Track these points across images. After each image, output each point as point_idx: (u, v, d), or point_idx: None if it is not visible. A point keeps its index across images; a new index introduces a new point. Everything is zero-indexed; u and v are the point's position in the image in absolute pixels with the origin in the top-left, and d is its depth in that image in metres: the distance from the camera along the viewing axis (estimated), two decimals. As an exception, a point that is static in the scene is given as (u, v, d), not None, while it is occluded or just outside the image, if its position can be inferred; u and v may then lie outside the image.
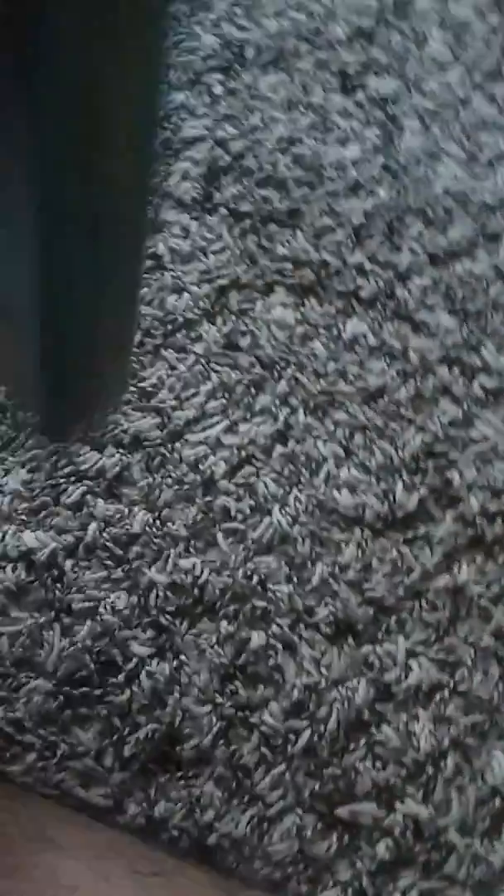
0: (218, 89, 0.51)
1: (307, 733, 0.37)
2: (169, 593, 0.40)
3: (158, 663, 0.38)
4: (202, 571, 0.40)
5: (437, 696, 0.37)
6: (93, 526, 0.41)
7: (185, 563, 0.40)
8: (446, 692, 0.37)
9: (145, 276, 0.47)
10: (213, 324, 0.46)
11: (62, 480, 0.42)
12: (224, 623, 0.39)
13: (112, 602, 0.39)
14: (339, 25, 0.53)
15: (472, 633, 0.38)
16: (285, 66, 0.52)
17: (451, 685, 0.37)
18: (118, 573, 0.40)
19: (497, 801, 0.35)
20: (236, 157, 0.49)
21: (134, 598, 0.39)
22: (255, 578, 0.39)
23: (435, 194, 0.48)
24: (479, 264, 0.46)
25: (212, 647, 0.38)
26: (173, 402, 0.44)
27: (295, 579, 0.39)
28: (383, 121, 0.50)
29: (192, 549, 0.40)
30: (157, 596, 0.39)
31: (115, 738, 0.37)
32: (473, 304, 0.45)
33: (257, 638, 0.38)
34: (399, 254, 0.46)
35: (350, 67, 0.51)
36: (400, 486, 0.41)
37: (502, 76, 0.51)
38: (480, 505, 0.41)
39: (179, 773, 0.37)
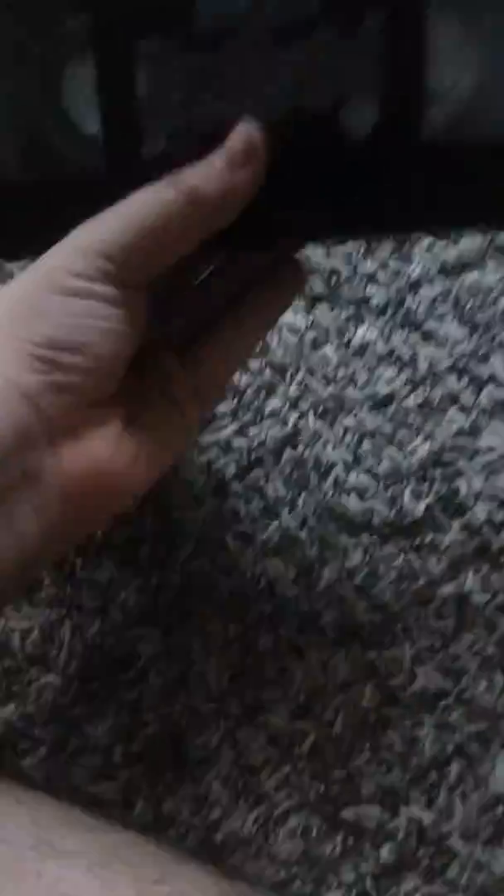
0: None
1: (313, 735, 0.37)
2: (178, 594, 0.40)
3: (167, 662, 0.39)
4: (211, 572, 0.40)
5: (442, 703, 0.38)
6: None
7: (194, 564, 0.40)
8: (451, 699, 0.38)
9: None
10: (225, 326, 0.46)
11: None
12: (232, 625, 0.39)
13: (122, 600, 0.40)
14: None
15: (476, 642, 0.39)
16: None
17: (456, 693, 0.38)
18: (128, 572, 0.40)
19: (499, 809, 0.36)
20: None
21: (144, 598, 0.40)
22: (263, 581, 0.40)
23: (447, 205, 0.48)
24: (488, 276, 0.47)
25: (220, 647, 0.39)
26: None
27: (302, 583, 0.40)
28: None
29: (201, 551, 0.41)
30: (167, 596, 0.40)
31: (124, 734, 0.38)
32: (482, 315, 0.46)
33: (264, 640, 0.39)
34: (409, 264, 0.47)
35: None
36: (408, 493, 0.42)
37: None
38: (487, 514, 0.41)
39: (186, 771, 0.37)
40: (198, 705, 0.38)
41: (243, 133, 0.29)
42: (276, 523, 0.41)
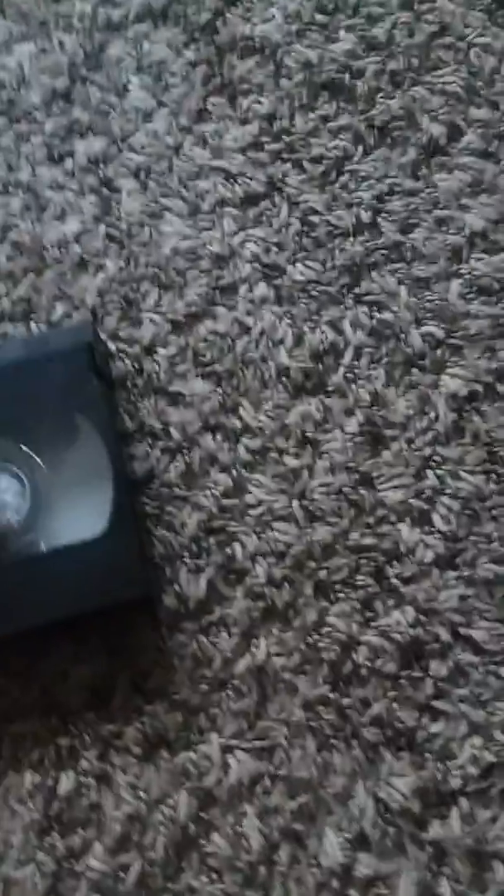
0: None
1: (137, 865, 0.34)
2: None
3: (-30, 834, 0.35)
4: (-5, 722, 0.36)
5: (259, 788, 0.35)
6: None
7: (-23, 715, 0.37)
8: (267, 780, 0.36)
9: None
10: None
11: None
12: (29, 773, 0.35)
13: None
14: (33, 91, 0.48)
15: (282, 711, 0.37)
16: (-16, 146, 0.47)
17: (272, 771, 0.36)
18: None
19: (334, 882, 0.34)
20: (-50, 257, 0.45)
21: None
22: (55, 716, 0.36)
23: (165, 256, 0.45)
24: (220, 321, 0.43)
25: (21, 802, 0.35)
26: None
27: (96, 703, 0.37)
28: (97, 186, 0.46)
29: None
30: (-44, 759, 0.36)
31: None
32: (222, 364, 0.43)
33: (66, 780, 0.35)
34: (140, 327, 0.43)
35: (53, 134, 0.48)
36: (184, 571, 0.39)
37: (209, 114, 0.48)
38: (266, 573, 0.39)
39: (16, 945, 0.34)
40: (11, 873, 0.34)
41: None
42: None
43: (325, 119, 0.48)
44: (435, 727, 0.36)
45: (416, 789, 0.35)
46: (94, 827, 0.35)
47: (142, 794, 0.35)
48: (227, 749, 0.36)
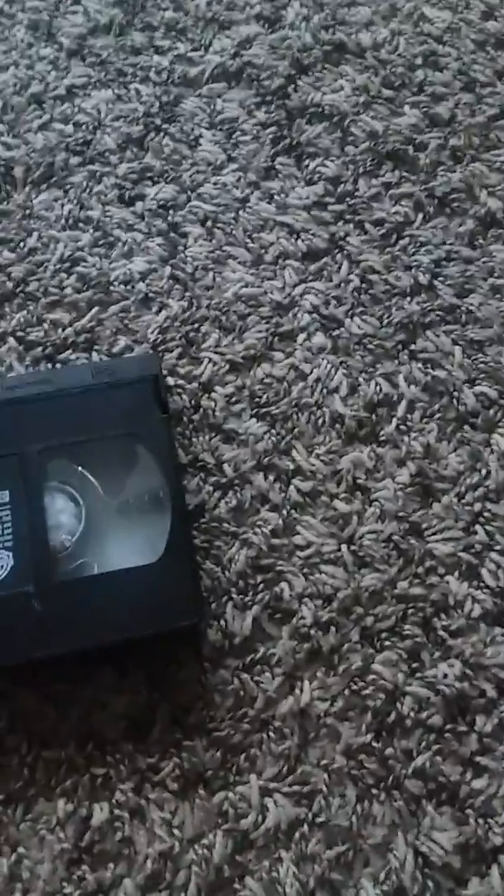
0: (-10, 213, 0.48)
1: (168, 906, 0.33)
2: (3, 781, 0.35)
3: (-4, 861, 0.34)
4: (29, 747, 0.35)
5: (297, 834, 0.34)
6: None
7: (10, 740, 0.36)
8: (306, 827, 0.34)
9: None
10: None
11: None
12: (62, 802, 0.34)
13: None
14: (108, 135, 0.50)
15: (323, 756, 0.36)
16: (58, 182, 0.49)
17: (310, 818, 0.35)
18: None
19: (371, 939, 0.33)
20: (18, 282, 0.46)
21: (-39, 790, 0.35)
22: (90, 744, 0.35)
23: (227, 300, 0.46)
24: (277, 366, 0.44)
25: (51, 831, 0.34)
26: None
27: (133, 735, 0.36)
28: (165, 229, 0.48)
29: (18, 722, 0.36)
30: (-11, 782, 0.35)
31: None
32: (278, 406, 0.43)
33: (100, 811, 0.34)
34: (199, 365, 0.44)
35: (125, 177, 0.49)
36: (230, 607, 0.39)
37: (276, 172, 0.50)
38: (313, 615, 0.39)
39: None
40: (35, 904, 0.33)
41: None
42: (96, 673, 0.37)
43: (388, 186, 0.49)
44: (478, 783, 0.35)
45: (457, 845, 0.34)
46: (125, 862, 0.33)
47: (176, 831, 0.34)
48: (265, 792, 0.35)
